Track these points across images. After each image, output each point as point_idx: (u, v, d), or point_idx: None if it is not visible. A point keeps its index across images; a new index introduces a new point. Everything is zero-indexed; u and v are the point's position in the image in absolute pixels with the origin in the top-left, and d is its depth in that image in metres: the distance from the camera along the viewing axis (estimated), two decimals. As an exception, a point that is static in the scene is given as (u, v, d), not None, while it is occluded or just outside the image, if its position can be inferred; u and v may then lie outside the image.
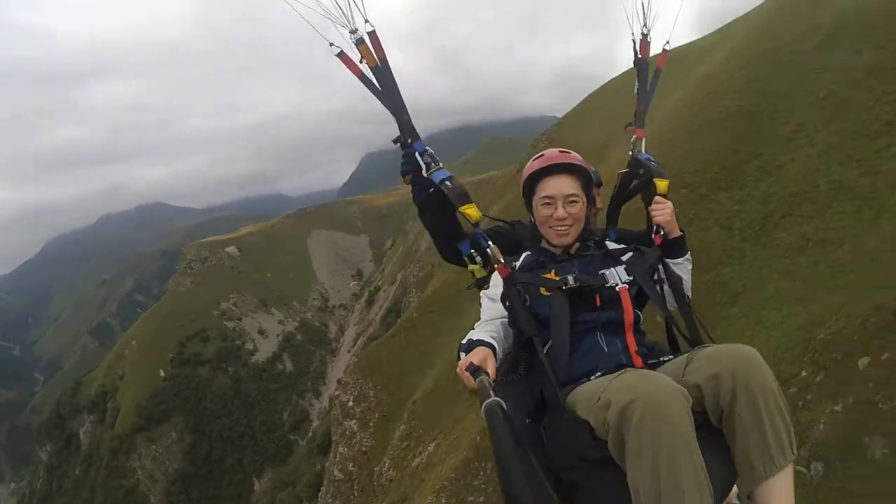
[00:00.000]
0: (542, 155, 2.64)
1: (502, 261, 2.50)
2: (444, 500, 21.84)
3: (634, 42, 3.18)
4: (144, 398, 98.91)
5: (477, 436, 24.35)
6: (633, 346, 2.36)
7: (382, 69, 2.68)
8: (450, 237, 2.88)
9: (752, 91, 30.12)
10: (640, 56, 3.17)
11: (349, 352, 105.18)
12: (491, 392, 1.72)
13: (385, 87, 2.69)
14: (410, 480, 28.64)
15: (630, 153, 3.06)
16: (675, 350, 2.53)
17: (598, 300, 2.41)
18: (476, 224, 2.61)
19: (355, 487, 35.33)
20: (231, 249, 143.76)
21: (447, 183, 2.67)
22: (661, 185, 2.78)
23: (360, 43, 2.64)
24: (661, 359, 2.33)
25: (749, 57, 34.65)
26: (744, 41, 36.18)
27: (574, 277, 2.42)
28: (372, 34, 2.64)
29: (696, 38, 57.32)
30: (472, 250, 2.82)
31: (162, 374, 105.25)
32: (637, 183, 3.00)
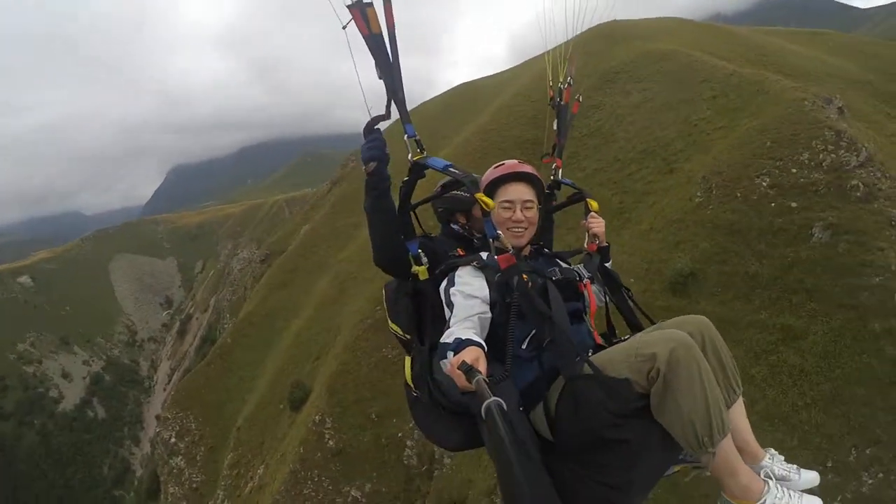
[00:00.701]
0: (503, 164, 2.92)
1: (511, 249, 2.57)
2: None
3: (552, 90, 3.67)
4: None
5: (300, 447, 25.00)
6: (595, 331, 2.74)
7: (389, 38, 2.55)
8: (398, 236, 2.77)
9: (537, 123, 34.59)
10: (560, 101, 3.63)
11: (165, 389, 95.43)
12: (489, 392, 1.71)
13: (388, 58, 2.57)
14: (245, 506, 28.25)
15: (552, 178, 3.41)
16: (613, 333, 2.89)
17: (581, 288, 2.78)
18: (488, 214, 2.57)
19: (189, 526, 33.63)
20: (24, 279, 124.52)
21: (453, 170, 2.63)
22: (594, 204, 3.18)
23: (367, 6, 2.49)
24: (616, 340, 2.72)
25: (539, 92, 39.46)
26: (534, 78, 40.71)
27: (559, 270, 2.76)
28: (386, 1, 2.51)
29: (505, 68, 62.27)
30: (420, 251, 2.78)
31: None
32: (566, 201, 3.41)
